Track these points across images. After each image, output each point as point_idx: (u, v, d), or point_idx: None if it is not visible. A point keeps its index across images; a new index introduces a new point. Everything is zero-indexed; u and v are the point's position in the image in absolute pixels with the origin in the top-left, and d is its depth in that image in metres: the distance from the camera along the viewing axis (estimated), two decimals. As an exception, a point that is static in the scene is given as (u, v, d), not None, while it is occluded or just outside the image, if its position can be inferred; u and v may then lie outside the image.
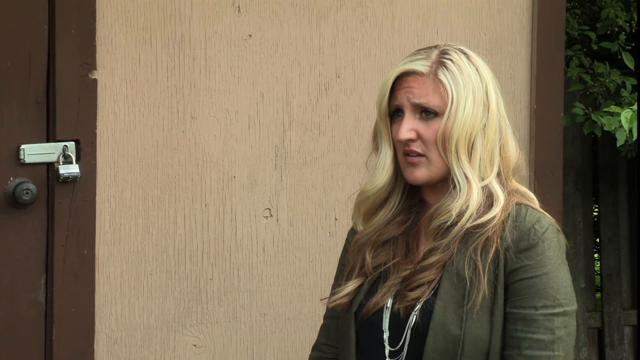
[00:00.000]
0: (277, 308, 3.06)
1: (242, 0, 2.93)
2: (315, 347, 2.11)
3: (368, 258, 1.91)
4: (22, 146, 2.58)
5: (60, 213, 2.65)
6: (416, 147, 1.80)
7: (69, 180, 2.62)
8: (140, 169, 2.84)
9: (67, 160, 2.59)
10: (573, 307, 1.79)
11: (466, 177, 1.79)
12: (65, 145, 2.61)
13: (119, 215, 2.79)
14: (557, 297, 1.75)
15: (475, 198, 1.78)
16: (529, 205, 1.84)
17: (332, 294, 2.02)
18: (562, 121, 3.58)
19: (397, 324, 1.83)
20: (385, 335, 1.86)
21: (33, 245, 2.69)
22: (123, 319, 2.85)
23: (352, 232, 2.05)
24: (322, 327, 2.12)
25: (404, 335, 1.83)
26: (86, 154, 2.66)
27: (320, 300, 2.25)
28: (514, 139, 1.86)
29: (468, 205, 1.77)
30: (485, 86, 1.84)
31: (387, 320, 1.86)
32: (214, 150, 2.91)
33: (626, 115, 3.60)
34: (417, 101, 1.80)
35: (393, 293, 1.87)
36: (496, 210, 1.78)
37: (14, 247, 2.66)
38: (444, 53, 1.84)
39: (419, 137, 1.80)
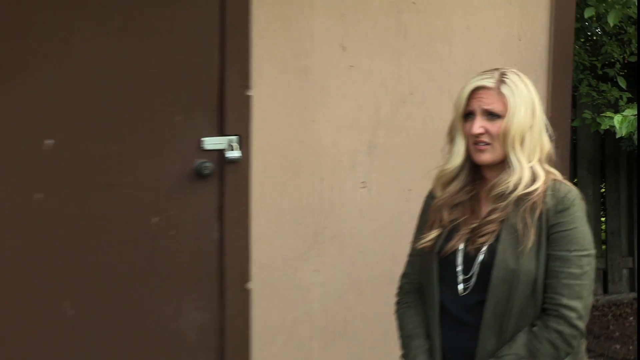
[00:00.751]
0: (369, 247, 3.46)
1: (346, 41, 3.31)
2: (403, 276, 2.46)
3: (445, 215, 2.25)
4: (203, 138, 3.09)
5: (227, 182, 3.15)
6: (484, 139, 2.16)
7: (233, 161, 3.12)
8: (279, 155, 3.28)
9: (232, 148, 3.09)
10: (593, 251, 2.12)
11: (519, 161, 2.13)
12: (231, 138, 3.10)
13: (265, 185, 3.25)
14: (584, 244, 2.10)
15: (525, 175, 2.12)
16: (561, 181, 2.19)
17: (418, 239, 2.36)
18: (569, 125, 3.87)
19: (468, 261, 2.18)
20: (459, 268, 2.19)
21: (211, 203, 3.16)
22: (268, 252, 3.32)
23: (430, 196, 2.39)
24: (408, 262, 2.46)
25: (473, 268, 2.16)
26: (244, 144, 3.13)
27: (410, 242, 2.46)
28: (547, 136, 2.22)
29: (520, 180, 2.11)
30: (532, 99, 2.18)
31: (460, 258, 2.20)
32: (328, 143, 3.34)
33: (617, 119, 3.86)
34: (486, 107, 2.15)
35: (464, 239, 2.20)
36: (539, 184, 2.12)
37: (199, 204, 3.15)
38: (503, 74, 2.17)
39: (487, 131, 2.15)
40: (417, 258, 2.37)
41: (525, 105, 2.16)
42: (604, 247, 6.43)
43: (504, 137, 2.14)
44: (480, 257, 2.15)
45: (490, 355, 2.15)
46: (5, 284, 2.95)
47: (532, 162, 2.16)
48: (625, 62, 5.30)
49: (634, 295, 6.47)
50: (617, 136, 3.79)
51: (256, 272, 3.31)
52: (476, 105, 2.16)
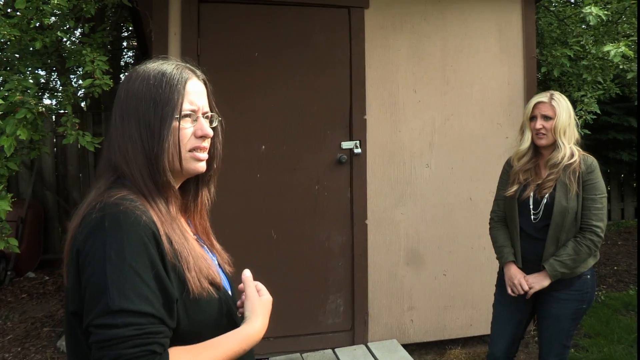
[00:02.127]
0: (431, 201, 3.87)
1: (416, 87, 3.82)
2: (492, 211, 2.80)
3: (521, 176, 2.61)
4: (342, 142, 3.71)
5: (354, 166, 3.72)
6: (542, 131, 2.54)
7: (357, 154, 3.70)
8: (381, 150, 3.77)
9: (357, 147, 3.68)
10: (606, 194, 2.52)
11: (563, 144, 2.51)
12: (356, 142, 3.70)
13: (374, 167, 3.76)
14: (602, 190, 2.51)
15: (567, 151, 2.50)
16: (587, 155, 2.56)
17: (501, 190, 2.72)
18: None
19: (536, 202, 2.56)
20: (531, 206, 2.58)
21: (346, 177, 3.72)
22: (376, 203, 3.79)
23: (508, 164, 2.74)
24: (495, 202, 2.80)
25: (540, 206, 2.54)
26: (362, 145, 3.71)
27: (493, 192, 2.79)
28: (579, 131, 2.60)
29: (565, 154, 2.49)
30: (569, 108, 2.55)
31: (532, 201, 2.57)
32: (406, 143, 3.82)
33: None
34: (543, 113, 2.55)
35: (533, 190, 2.57)
36: (576, 157, 2.51)
37: (339, 178, 3.71)
38: (552, 94, 2.58)
39: (543, 127, 2.54)
40: (501, 201, 2.72)
41: (566, 111, 2.52)
42: None
43: (554, 130, 2.50)
44: (544, 200, 2.52)
45: (552, 254, 2.50)
46: (240, 222, 3.54)
47: (570, 144, 2.52)
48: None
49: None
50: None
51: (370, 214, 3.78)
52: (537, 112, 2.56)
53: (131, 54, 8.01)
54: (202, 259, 1.23)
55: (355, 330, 3.80)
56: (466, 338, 4.05)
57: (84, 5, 2.66)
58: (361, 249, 3.78)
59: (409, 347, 3.81)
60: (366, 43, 3.73)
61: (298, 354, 3.68)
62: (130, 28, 6.53)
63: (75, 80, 3.96)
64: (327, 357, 3.66)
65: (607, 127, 7.11)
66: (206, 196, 1.36)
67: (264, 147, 3.60)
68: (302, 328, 3.70)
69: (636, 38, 4.27)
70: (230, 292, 1.32)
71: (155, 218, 1.13)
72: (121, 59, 7.40)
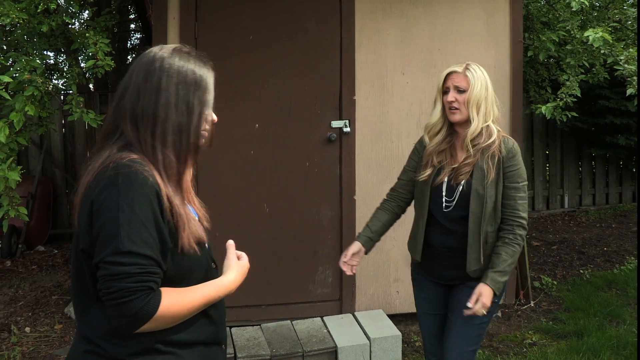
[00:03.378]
0: None
1: (404, 70, 3.97)
2: (392, 190, 2.60)
3: (434, 159, 2.36)
4: (332, 121, 3.88)
5: (343, 144, 3.91)
6: (455, 105, 2.28)
7: (346, 133, 3.88)
8: (369, 130, 3.93)
9: (346, 126, 3.85)
10: (527, 182, 2.32)
11: (476, 119, 2.25)
12: (345, 121, 3.88)
13: (362, 145, 3.93)
14: (524, 177, 2.30)
15: (478, 128, 2.25)
16: (507, 136, 2.33)
17: (407, 170, 2.51)
18: (521, 112, 4.30)
19: (450, 189, 2.33)
20: (443, 193, 2.34)
21: (335, 155, 3.91)
22: (364, 179, 3.96)
23: (420, 143, 2.48)
24: (398, 181, 2.58)
25: (454, 194, 2.31)
26: (351, 124, 3.89)
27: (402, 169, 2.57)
28: (498, 108, 2.34)
29: (475, 130, 2.25)
30: (486, 80, 2.29)
31: (445, 187, 2.35)
32: (394, 123, 3.99)
33: (544, 109, 4.13)
34: (456, 84, 2.28)
35: (447, 175, 2.34)
36: (493, 137, 2.27)
37: (329, 155, 3.91)
38: (468, 64, 2.31)
39: (456, 100, 2.28)
40: (404, 182, 2.53)
41: (481, 83, 2.25)
42: (547, 184, 7.67)
43: (467, 104, 2.24)
44: (460, 187, 2.29)
45: (477, 251, 2.29)
46: (235, 195, 3.72)
47: (487, 122, 2.26)
48: (550, 78, 5.77)
49: (563, 210, 7.57)
50: (548, 118, 4.11)
51: (358, 190, 3.96)
52: (450, 83, 2.29)
53: (138, 37, 8.23)
54: (194, 221, 1.46)
55: (343, 300, 4.02)
56: (451, 309, 4.25)
57: (87, -9, 2.89)
58: (349, 223, 3.97)
59: (395, 318, 4.01)
60: (356, 27, 3.89)
61: (288, 321, 3.91)
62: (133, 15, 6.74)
63: (82, 60, 4.19)
64: (316, 324, 3.89)
65: (604, 111, 7.22)
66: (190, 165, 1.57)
67: (257, 125, 3.80)
68: (292, 297, 3.93)
69: (616, 24, 4.41)
70: (207, 247, 1.54)
71: (159, 180, 1.35)
72: (128, 41, 7.62)
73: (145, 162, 1.36)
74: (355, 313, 4.02)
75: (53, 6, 2.93)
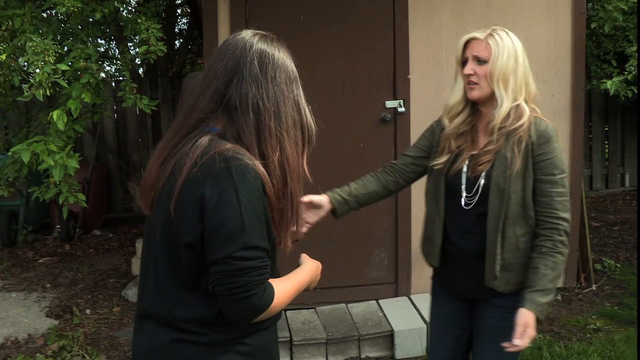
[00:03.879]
0: None
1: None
2: (391, 163, 2.23)
3: (452, 143, 1.99)
4: (386, 101, 3.82)
5: (398, 124, 3.86)
6: (473, 79, 1.90)
7: (401, 113, 3.83)
8: (424, 109, 3.81)
9: (400, 106, 3.80)
10: (567, 174, 1.93)
11: (502, 98, 1.86)
12: (400, 101, 3.82)
13: (416, 125, 3.68)
14: (563, 168, 1.90)
15: (506, 109, 1.85)
16: (541, 118, 1.91)
17: (416, 149, 2.16)
18: (584, 88, 4.12)
19: (469, 182, 1.95)
20: (463, 186, 1.97)
21: (390, 135, 3.86)
22: None
23: (438, 123, 2.11)
24: (402, 157, 2.22)
25: (476, 187, 1.93)
26: (406, 104, 3.83)
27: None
28: (533, 81, 1.93)
29: (502, 113, 1.86)
30: (515, 49, 1.88)
31: (464, 179, 1.96)
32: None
33: (610, 84, 3.98)
34: (475, 54, 1.90)
35: (466, 162, 1.96)
36: (524, 119, 1.86)
37: (384, 136, 3.83)
38: (493, 30, 1.92)
39: (475, 73, 1.90)
40: (410, 158, 2.17)
41: (508, 53, 1.86)
42: (606, 162, 7.46)
43: (490, 78, 1.87)
44: (482, 181, 1.92)
45: (495, 259, 1.91)
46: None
47: (518, 101, 1.87)
48: (615, 51, 5.55)
49: (623, 189, 7.35)
50: (611, 94, 3.95)
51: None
52: (469, 53, 1.93)
53: (185, 21, 8.28)
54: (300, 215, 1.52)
55: (398, 283, 3.98)
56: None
57: (138, -24, 2.89)
58: (405, 205, 3.92)
59: None
60: (409, 4, 3.80)
61: (343, 305, 3.90)
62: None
63: (132, 47, 4.23)
64: (372, 307, 3.87)
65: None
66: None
67: (310, 107, 3.73)
68: (347, 280, 3.90)
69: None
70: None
71: (262, 170, 1.35)
72: (175, 25, 7.67)
73: (246, 152, 1.35)
74: (411, 296, 3.98)
75: (106, -8, 2.93)
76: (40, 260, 5.52)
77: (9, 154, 3.14)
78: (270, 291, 1.35)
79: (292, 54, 1.53)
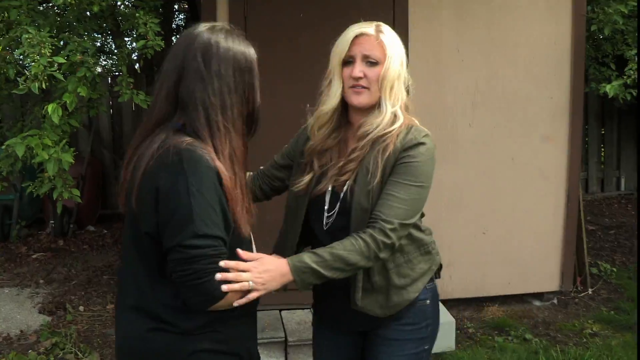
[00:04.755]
0: (476, 167, 3.99)
1: (459, 47, 3.84)
2: (260, 170, 1.99)
3: (315, 162, 1.74)
4: None
5: None
6: (363, 83, 1.65)
7: None
8: (423, 111, 3.76)
9: None
10: (426, 185, 1.66)
11: (386, 105, 1.66)
12: None
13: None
14: (418, 177, 1.63)
15: (388, 117, 1.66)
16: (416, 126, 1.70)
17: (285, 158, 1.90)
18: (583, 91, 4.10)
19: (333, 198, 1.72)
20: (326, 207, 1.73)
21: None
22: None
23: (304, 132, 1.85)
24: (271, 162, 1.97)
25: (336, 204, 1.71)
26: None
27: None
28: (408, 89, 1.76)
29: (383, 122, 1.65)
30: (403, 51, 1.71)
31: (328, 198, 1.72)
32: (450, 101, 3.87)
33: (608, 87, 3.68)
34: (366, 53, 1.65)
35: (332, 181, 1.71)
36: (397, 125, 1.65)
37: None
38: (379, 25, 1.69)
39: (365, 76, 1.65)
40: (278, 166, 1.94)
41: (399, 55, 1.68)
42: (602, 165, 7.44)
43: (381, 83, 1.65)
44: (341, 196, 1.70)
45: (355, 279, 1.69)
46: None
47: (395, 107, 1.68)
48: (615, 54, 5.61)
49: (619, 193, 7.35)
50: (610, 96, 3.77)
51: None
52: (357, 51, 1.66)
53: (182, 17, 8.24)
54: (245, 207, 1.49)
55: None
56: (504, 296, 4.15)
57: (134, -30, 2.85)
58: None
59: (447, 303, 3.94)
60: (409, 2, 3.77)
61: None
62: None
63: (129, 42, 4.19)
64: None
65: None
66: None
67: (308, 105, 3.70)
68: None
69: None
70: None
71: (218, 164, 1.38)
72: (172, 21, 7.63)
73: (202, 145, 1.38)
74: None
75: (103, -14, 2.88)
76: (34, 256, 5.47)
77: (3, 147, 3.10)
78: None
79: (250, 42, 1.53)
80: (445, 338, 3.56)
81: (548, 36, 3.96)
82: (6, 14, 2.97)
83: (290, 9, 3.69)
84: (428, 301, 1.77)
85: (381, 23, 1.70)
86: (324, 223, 1.73)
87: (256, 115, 1.52)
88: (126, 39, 4.22)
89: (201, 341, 1.44)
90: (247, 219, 1.46)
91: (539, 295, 4.23)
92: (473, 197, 3.99)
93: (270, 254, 1.68)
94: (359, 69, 1.65)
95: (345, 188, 1.68)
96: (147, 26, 3.03)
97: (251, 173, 1.96)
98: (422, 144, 1.65)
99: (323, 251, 1.55)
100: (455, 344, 3.57)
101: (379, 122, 1.65)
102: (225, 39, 1.46)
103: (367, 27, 1.67)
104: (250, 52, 1.50)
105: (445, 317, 3.63)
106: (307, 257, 1.54)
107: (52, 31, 2.97)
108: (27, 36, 2.70)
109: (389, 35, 1.68)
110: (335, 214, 1.70)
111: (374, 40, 1.66)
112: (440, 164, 3.56)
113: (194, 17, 5.81)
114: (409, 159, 1.63)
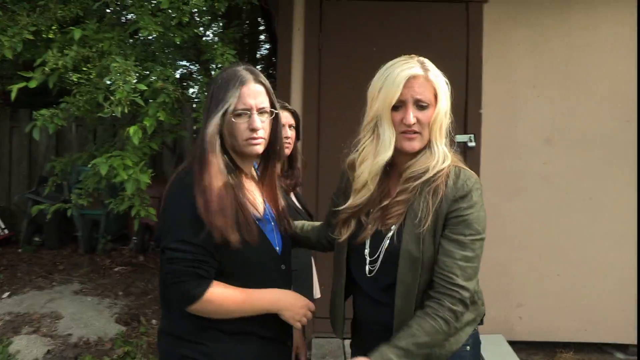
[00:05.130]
0: (550, 205, 3.86)
1: (535, 83, 3.76)
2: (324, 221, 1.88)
3: (363, 213, 1.66)
4: (456, 136, 3.67)
5: (468, 159, 3.58)
6: (417, 128, 1.56)
7: (471, 148, 3.77)
8: (495, 145, 3.77)
9: (471, 140, 3.76)
10: (484, 235, 1.57)
11: (438, 145, 1.59)
12: (470, 136, 3.78)
13: (487, 159, 3.79)
14: (478, 229, 1.55)
15: (441, 157, 1.57)
16: (461, 167, 1.61)
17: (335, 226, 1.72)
18: None
19: (376, 242, 1.62)
20: (367, 251, 1.63)
21: None
22: (489, 206, 3.78)
23: (343, 177, 1.75)
24: (324, 223, 1.87)
25: (379, 250, 1.61)
26: (477, 139, 3.79)
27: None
28: (450, 125, 1.66)
29: (437, 162, 1.57)
30: (447, 85, 1.63)
31: (368, 243, 1.63)
32: (522, 138, 3.81)
33: None
34: (418, 97, 1.56)
35: (375, 227, 1.62)
36: (445, 165, 1.57)
37: None
38: (423, 61, 1.61)
39: (418, 121, 1.56)
40: (330, 216, 1.80)
41: (446, 93, 1.61)
42: None
43: (431, 126, 1.57)
44: (387, 242, 1.60)
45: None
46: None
47: (444, 147, 1.61)
48: None
49: None
50: None
51: None
52: (408, 95, 1.55)
53: (267, 47, 8.56)
54: (247, 220, 1.59)
55: None
56: (580, 343, 3.95)
57: (216, 4, 3.03)
58: None
59: (516, 345, 3.80)
60: (484, 37, 3.77)
61: None
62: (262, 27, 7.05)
63: (212, 70, 4.41)
64: None
65: None
66: (272, 172, 1.72)
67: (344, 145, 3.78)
68: None
69: None
70: (278, 249, 1.68)
71: (197, 189, 1.54)
72: (257, 51, 7.93)
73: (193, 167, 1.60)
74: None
75: (185, 19, 3.09)
76: (116, 269, 5.78)
77: (89, 166, 3.33)
78: (204, 286, 1.51)
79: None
80: (512, 381, 3.44)
81: (633, 72, 3.80)
82: (100, 45, 3.22)
83: (363, 41, 3.78)
84: (468, 347, 1.68)
85: (423, 59, 1.60)
86: (367, 270, 1.64)
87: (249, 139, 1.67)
88: (211, 66, 4.44)
89: (191, 349, 1.57)
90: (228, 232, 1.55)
91: (622, 347, 3.96)
92: (546, 237, 3.87)
93: (331, 305, 1.76)
94: (412, 115, 1.55)
95: (391, 233, 1.58)
96: (224, 57, 3.20)
97: (317, 224, 1.95)
98: (472, 191, 1.56)
99: (406, 343, 1.49)
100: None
101: (430, 165, 1.56)
102: (225, 71, 1.70)
103: (415, 67, 1.56)
104: (232, 76, 1.65)
105: (511, 358, 3.58)
106: (392, 354, 1.49)
107: (138, 60, 3.19)
108: (115, 65, 2.93)
109: (434, 73, 1.59)
110: (380, 259, 1.61)
111: (423, 81, 1.57)
112: (512, 200, 3.74)
113: (274, 49, 6.03)
114: (466, 211, 1.54)
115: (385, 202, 1.60)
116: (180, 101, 3.20)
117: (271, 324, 1.62)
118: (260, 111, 1.61)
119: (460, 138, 3.79)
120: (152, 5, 3.20)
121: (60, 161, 4.15)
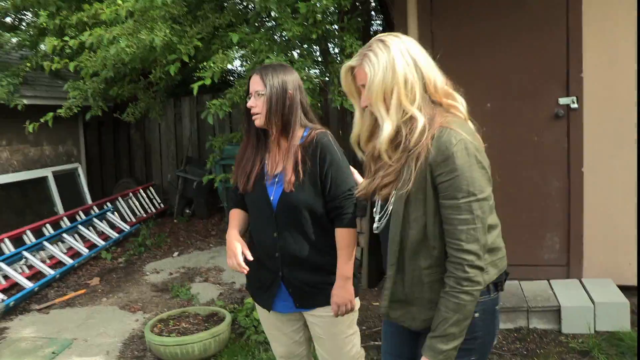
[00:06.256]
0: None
1: (619, 55, 3.83)
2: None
3: (372, 166, 1.80)
4: (559, 98, 3.99)
5: (571, 120, 4.02)
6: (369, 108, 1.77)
7: (574, 109, 4.01)
8: (596, 106, 4.00)
9: (573, 102, 3.97)
10: (483, 194, 1.58)
11: (385, 119, 1.69)
12: (573, 98, 4.01)
13: (589, 121, 4.02)
14: (469, 190, 1.56)
15: (387, 134, 1.66)
16: (447, 127, 1.61)
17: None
18: None
19: (383, 204, 1.78)
20: (375, 210, 1.81)
21: (563, 130, 4.05)
22: (592, 151, 4.02)
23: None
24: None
25: (383, 212, 1.77)
26: (579, 101, 4.01)
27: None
28: (434, 82, 1.75)
29: (392, 135, 1.68)
30: (393, 59, 1.68)
31: (379, 202, 1.80)
32: (625, 99, 3.93)
33: None
34: (361, 83, 1.77)
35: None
36: (417, 132, 1.63)
37: (556, 130, 4.04)
38: (369, 49, 1.73)
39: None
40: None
41: (383, 69, 1.68)
42: None
43: (370, 102, 1.75)
44: (390, 207, 1.71)
45: (389, 288, 1.73)
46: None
47: (410, 112, 1.65)
48: None
49: None
50: None
51: (586, 163, 4.08)
52: (360, 84, 1.79)
53: (379, 22, 9.00)
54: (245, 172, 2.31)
55: (570, 266, 4.21)
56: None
57: (342, 1, 3.66)
58: (577, 194, 4.12)
59: (625, 290, 3.91)
60: (583, 1, 3.93)
61: (516, 281, 4.25)
62: (380, 15, 7.55)
63: (337, 58, 5.08)
64: (542, 286, 4.17)
65: None
66: (278, 139, 2.25)
67: (489, 104, 4.14)
68: (520, 259, 4.17)
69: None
70: (272, 198, 2.23)
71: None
72: (371, 27, 8.41)
73: None
74: (582, 279, 4.15)
75: (319, 18, 3.78)
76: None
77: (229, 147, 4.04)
78: (229, 209, 2.49)
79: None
80: (618, 318, 3.72)
81: None
82: (252, 44, 3.99)
83: (469, 20, 4.19)
84: (477, 314, 1.68)
85: (376, 41, 1.71)
86: (375, 227, 1.80)
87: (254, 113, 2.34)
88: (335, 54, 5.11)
89: None
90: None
91: None
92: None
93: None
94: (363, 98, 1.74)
95: (391, 200, 1.71)
96: (352, 47, 3.85)
97: None
98: (453, 153, 1.58)
99: (444, 329, 1.60)
100: (632, 327, 3.60)
101: (382, 139, 1.66)
102: None
103: (355, 60, 1.73)
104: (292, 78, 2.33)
105: (618, 298, 3.80)
106: (438, 344, 1.61)
107: (286, 54, 3.92)
108: (268, 61, 3.66)
109: (373, 58, 1.67)
110: (383, 222, 1.76)
111: (359, 69, 1.71)
112: (614, 157, 3.96)
113: (389, 26, 6.55)
114: (450, 175, 1.57)
115: (380, 172, 1.73)
116: (320, 85, 3.85)
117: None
118: (257, 93, 2.21)
119: (563, 100, 4.07)
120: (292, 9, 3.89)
121: (218, 139, 4.92)
